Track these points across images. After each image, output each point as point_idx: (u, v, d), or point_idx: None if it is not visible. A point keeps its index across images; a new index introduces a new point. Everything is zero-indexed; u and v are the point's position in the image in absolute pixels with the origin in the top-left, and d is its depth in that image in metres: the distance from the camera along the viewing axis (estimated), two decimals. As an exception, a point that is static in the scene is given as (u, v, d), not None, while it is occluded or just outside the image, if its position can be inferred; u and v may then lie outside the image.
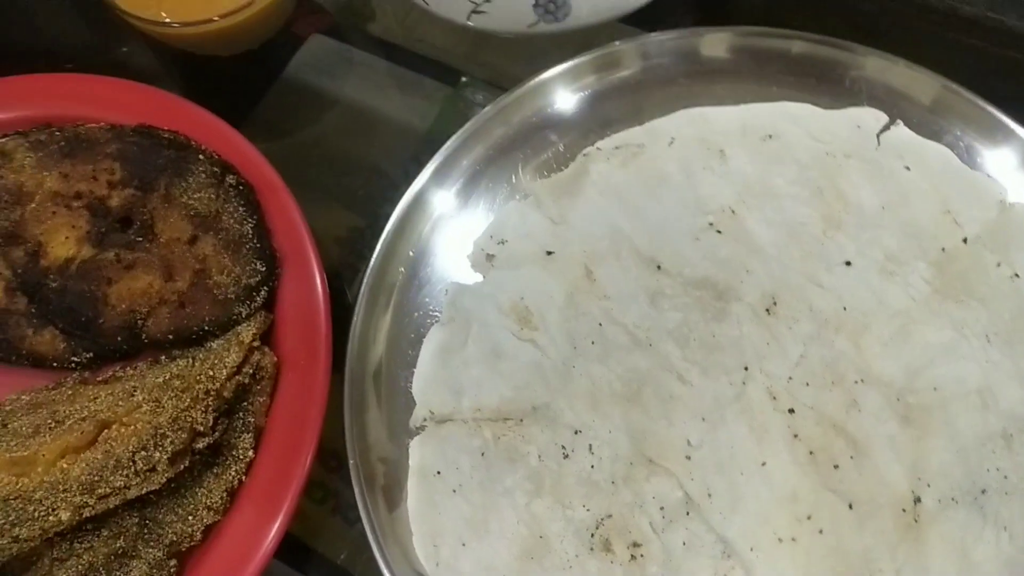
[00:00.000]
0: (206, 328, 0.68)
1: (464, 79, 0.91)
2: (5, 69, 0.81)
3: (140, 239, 0.71)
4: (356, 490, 0.63)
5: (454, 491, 0.64)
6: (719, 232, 0.71)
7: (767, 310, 0.68)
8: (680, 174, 0.73)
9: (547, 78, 0.76)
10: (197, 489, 0.65)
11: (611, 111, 0.77)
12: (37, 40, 0.97)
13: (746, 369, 0.66)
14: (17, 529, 0.60)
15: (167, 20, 0.77)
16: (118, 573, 0.62)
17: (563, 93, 0.77)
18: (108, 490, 0.61)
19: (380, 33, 0.95)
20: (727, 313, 0.68)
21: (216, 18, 0.77)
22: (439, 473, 0.65)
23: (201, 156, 0.73)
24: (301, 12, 0.92)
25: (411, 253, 0.73)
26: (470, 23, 0.79)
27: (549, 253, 0.72)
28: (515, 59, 0.88)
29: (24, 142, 0.75)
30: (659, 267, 0.70)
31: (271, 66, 0.92)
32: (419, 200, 0.73)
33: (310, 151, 0.89)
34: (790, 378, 0.65)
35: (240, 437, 0.66)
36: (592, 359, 0.68)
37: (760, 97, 0.76)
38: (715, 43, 0.78)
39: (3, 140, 0.75)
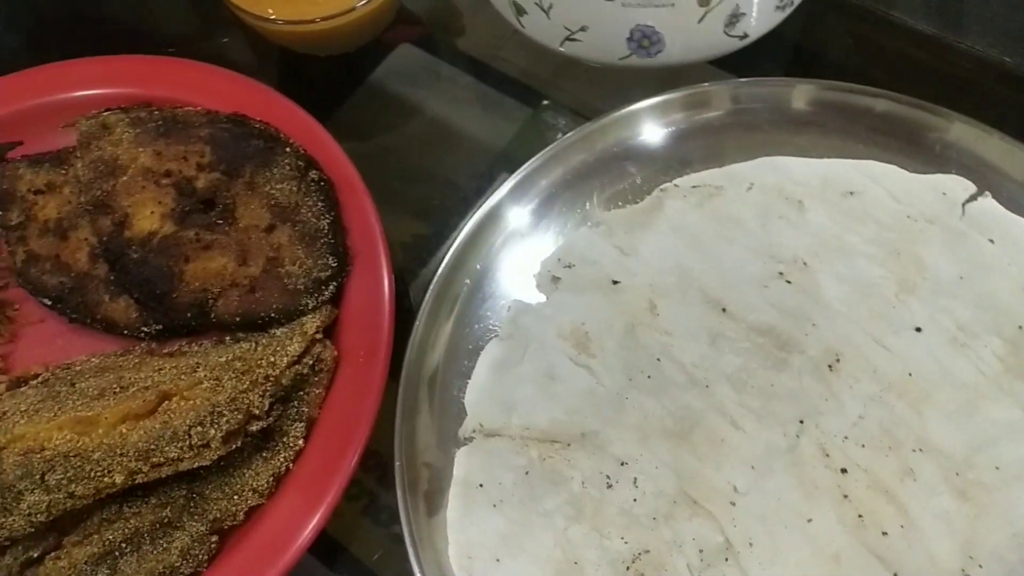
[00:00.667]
0: (272, 315, 0.70)
1: (545, 102, 0.92)
2: (112, 47, 0.85)
3: (220, 222, 0.73)
4: (399, 492, 0.64)
5: (494, 506, 0.64)
6: (788, 282, 0.70)
7: (829, 366, 0.67)
8: (755, 220, 0.73)
9: (634, 110, 0.77)
10: (245, 470, 0.66)
11: (692, 150, 0.77)
12: (146, 22, 1.01)
13: (801, 422, 0.65)
14: (73, 485, 0.62)
15: (273, 16, 0.80)
16: (162, 541, 0.64)
17: (647, 127, 0.78)
18: (162, 459, 0.63)
19: (467, 49, 0.97)
20: (788, 364, 0.67)
21: (318, 20, 0.79)
22: (481, 486, 0.66)
23: (288, 149, 0.75)
24: (396, 21, 0.95)
25: (478, 266, 0.74)
26: (562, 49, 0.81)
27: (615, 282, 0.72)
28: (597, 89, 0.89)
29: (125, 117, 0.78)
30: (724, 310, 0.70)
31: (359, 70, 0.94)
32: (492, 214, 0.75)
33: (386, 156, 0.91)
34: (846, 437, 0.64)
35: (292, 425, 0.67)
36: (646, 393, 0.67)
37: (845, 153, 0.75)
38: (804, 94, 0.77)
39: (106, 114, 0.78)
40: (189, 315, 0.71)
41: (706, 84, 0.78)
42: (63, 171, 0.79)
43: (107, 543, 0.64)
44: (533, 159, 0.76)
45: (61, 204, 0.78)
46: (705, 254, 0.72)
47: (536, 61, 0.94)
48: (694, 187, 0.75)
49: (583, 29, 0.77)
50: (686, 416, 0.66)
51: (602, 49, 0.79)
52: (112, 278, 0.74)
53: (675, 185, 0.75)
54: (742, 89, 0.77)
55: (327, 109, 0.92)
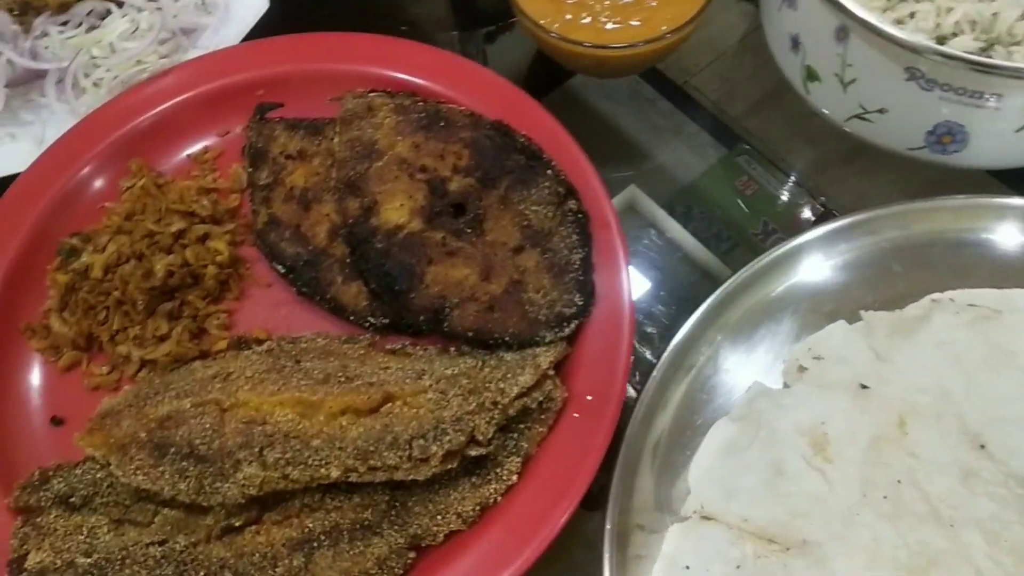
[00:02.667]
0: (506, 339, 0.68)
1: (743, 147, 0.89)
2: (359, 23, 0.85)
3: (468, 230, 0.72)
4: (606, 554, 0.61)
5: (700, 595, 0.61)
6: (1062, 433, 0.64)
7: (1097, 539, 0.60)
8: (1032, 356, 0.67)
9: (914, 209, 0.72)
10: (451, 492, 0.64)
11: (971, 264, 0.71)
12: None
13: (1057, 595, 0.59)
14: (290, 468, 0.62)
15: (584, 43, 0.77)
16: (359, 544, 0.62)
17: (922, 227, 0.73)
18: (379, 464, 0.62)
19: (671, 73, 0.93)
20: (1050, 525, 0.61)
21: (637, 45, 0.77)
22: (688, 568, 0.62)
23: (549, 171, 0.73)
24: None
25: (719, 337, 0.70)
26: (846, 127, 0.76)
27: (864, 387, 0.67)
28: (792, 142, 0.87)
29: (390, 102, 0.78)
30: (982, 446, 0.64)
31: (558, 72, 0.91)
32: (743, 286, 0.71)
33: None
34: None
35: (508, 458, 0.65)
36: (881, 515, 0.62)
37: None
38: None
39: (373, 95, 0.78)
40: (422, 318, 0.69)
41: (1000, 197, 0.72)
42: (317, 141, 0.79)
43: (306, 530, 0.63)
44: (797, 239, 0.72)
45: (309, 174, 0.78)
46: (969, 380, 0.67)
47: (728, 96, 0.91)
48: (970, 305, 0.69)
49: (881, 111, 0.73)
50: (923, 552, 0.61)
51: (893, 136, 0.74)
52: (349, 262, 0.73)
53: (950, 299, 0.69)
54: (1042, 212, 0.71)
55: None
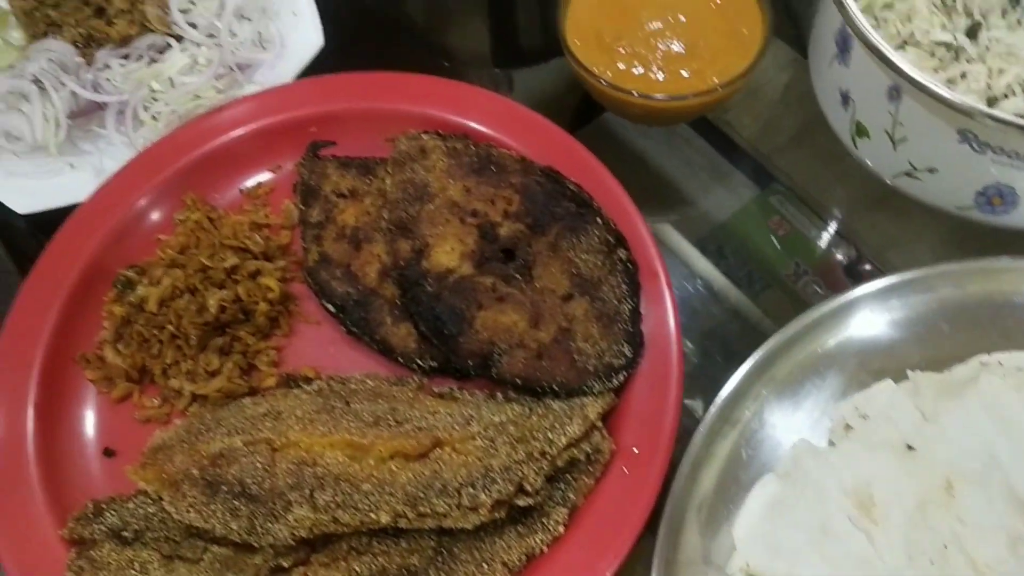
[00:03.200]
0: (555, 387, 0.68)
1: (778, 185, 0.89)
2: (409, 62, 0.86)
3: (518, 276, 0.72)
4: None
5: (746, 655, 0.61)
6: (1111, 503, 0.64)
7: None
8: (1082, 423, 0.67)
9: (970, 269, 0.72)
10: (496, 539, 0.65)
11: (1020, 326, 0.71)
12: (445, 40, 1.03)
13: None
14: (340, 511, 0.62)
15: (633, 91, 0.78)
16: (406, 589, 0.63)
17: (976, 288, 0.72)
18: (428, 510, 0.62)
19: (710, 112, 0.93)
20: (1097, 597, 0.61)
21: (664, 96, 0.78)
22: (731, 626, 0.62)
23: (599, 220, 0.74)
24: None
25: (765, 392, 0.70)
26: (893, 183, 0.77)
27: (910, 448, 0.67)
28: (825, 184, 0.87)
29: (442, 145, 0.79)
30: (1030, 513, 0.64)
31: (593, 105, 0.91)
32: (791, 341, 0.71)
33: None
34: None
35: (555, 508, 0.65)
36: (926, 579, 0.63)
37: None
38: None
39: (426, 137, 0.79)
40: (471, 363, 0.70)
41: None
42: (368, 180, 0.81)
43: (353, 573, 0.64)
44: (842, 296, 0.72)
45: (360, 213, 0.79)
46: (1017, 444, 0.66)
47: (762, 132, 0.91)
48: (1018, 369, 0.69)
49: (930, 170, 0.73)
50: (969, 619, 0.61)
51: (941, 194, 0.74)
52: (399, 303, 0.74)
53: (999, 363, 0.69)
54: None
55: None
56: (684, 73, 0.78)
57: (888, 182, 0.77)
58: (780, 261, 0.86)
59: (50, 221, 0.81)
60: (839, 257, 0.87)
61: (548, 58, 0.99)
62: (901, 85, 0.69)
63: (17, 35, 0.92)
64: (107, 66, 0.86)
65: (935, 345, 0.72)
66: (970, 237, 0.78)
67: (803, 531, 0.65)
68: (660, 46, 0.79)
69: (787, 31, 0.94)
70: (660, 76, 0.79)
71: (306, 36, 0.89)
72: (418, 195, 0.76)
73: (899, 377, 0.71)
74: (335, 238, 0.78)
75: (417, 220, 0.75)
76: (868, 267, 0.86)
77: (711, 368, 0.79)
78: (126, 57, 0.87)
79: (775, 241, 0.88)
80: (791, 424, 0.70)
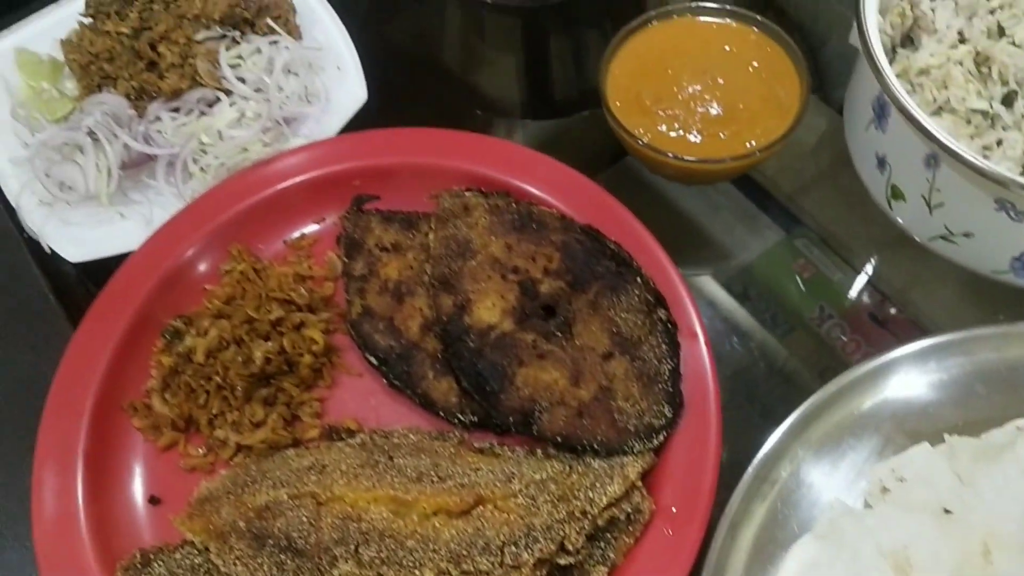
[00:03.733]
0: (595, 446, 0.69)
1: (803, 228, 0.91)
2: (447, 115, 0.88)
3: (558, 334, 0.74)
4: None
5: None
6: None
7: None
8: (1121, 489, 0.67)
9: (1014, 332, 0.73)
10: (536, 597, 0.66)
11: (1057, 391, 0.72)
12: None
13: None
14: (384, 568, 0.64)
15: (674, 155, 0.80)
16: (446, 647, 0.64)
17: (1010, 352, 0.73)
18: (471, 568, 0.63)
19: None
20: None
21: (702, 159, 0.80)
22: None
23: (639, 279, 0.75)
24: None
25: (802, 452, 0.71)
26: (929, 246, 0.78)
27: (947, 511, 0.68)
28: (851, 229, 0.89)
29: (484, 202, 0.81)
30: (1069, 581, 0.64)
31: (616, 147, 0.92)
32: (828, 402, 0.72)
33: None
34: None
35: (595, 567, 0.66)
36: (966, 646, 0.63)
37: None
38: None
39: (468, 195, 0.81)
40: (512, 419, 0.71)
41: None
42: (411, 235, 0.83)
43: (396, 628, 0.65)
44: (883, 357, 0.73)
45: (403, 267, 0.81)
46: (1055, 511, 0.67)
47: (785, 174, 0.93)
48: (1056, 435, 0.69)
49: (966, 235, 0.74)
50: None
51: (977, 258, 0.76)
52: (441, 357, 0.76)
53: (1036, 428, 0.70)
54: None
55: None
56: (722, 135, 0.80)
57: (923, 243, 0.78)
58: (805, 304, 0.88)
59: (99, 268, 0.83)
60: (865, 300, 0.88)
61: (580, 110, 1.02)
62: (939, 154, 0.70)
63: (71, 85, 0.95)
64: (158, 118, 0.88)
65: (971, 408, 0.73)
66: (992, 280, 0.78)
67: (841, 595, 0.65)
68: (699, 109, 0.81)
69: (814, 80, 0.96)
70: (698, 138, 0.81)
71: (351, 90, 0.91)
72: (461, 251, 0.78)
73: (935, 439, 0.71)
74: (378, 291, 0.80)
75: (459, 276, 0.77)
76: (893, 311, 0.87)
77: (739, 415, 0.80)
78: (176, 110, 0.89)
79: (800, 284, 0.89)
80: (828, 484, 0.70)
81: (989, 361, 0.74)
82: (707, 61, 0.82)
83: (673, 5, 0.85)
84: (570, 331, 0.74)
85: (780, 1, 1.05)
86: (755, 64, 0.82)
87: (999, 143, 0.74)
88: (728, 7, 0.86)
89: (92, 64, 0.91)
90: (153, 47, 0.91)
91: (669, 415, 0.70)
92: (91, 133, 0.86)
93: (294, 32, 0.95)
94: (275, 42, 0.92)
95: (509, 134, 1.02)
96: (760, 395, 0.82)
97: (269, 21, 0.93)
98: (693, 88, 0.81)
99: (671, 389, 0.71)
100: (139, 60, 0.91)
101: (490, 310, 0.75)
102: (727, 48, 0.83)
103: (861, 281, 0.89)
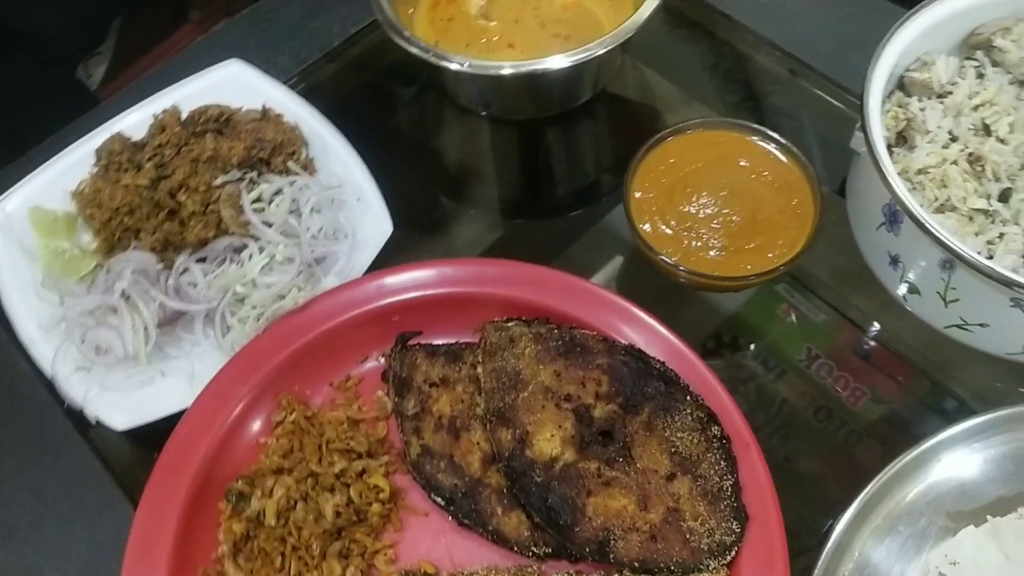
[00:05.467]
0: (672, 567, 0.73)
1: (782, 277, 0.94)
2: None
3: (619, 459, 0.77)
4: None
5: None
6: None
7: None
8: None
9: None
10: None
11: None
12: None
13: None
14: None
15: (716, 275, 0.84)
16: None
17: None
18: None
19: None
20: None
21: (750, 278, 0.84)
22: None
23: (688, 398, 0.79)
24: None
25: (858, 546, 0.76)
26: (945, 333, 0.83)
27: (999, 590, 0.73)
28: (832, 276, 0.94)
29: (528, 332, 0.83)
30: (1119, 648, 0.70)
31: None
32: (881, 493, 0.76)
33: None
34: None
35: None
36: None
37: None
38: None
39: (511, 325, 0.84)
40: (588, 550, 0.74)
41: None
42: (457, 367, 0.85)
43: None
44: (925, 441, 0.78)
45: (454, 401, 0.83)
46: (1096, 581, 0.73)
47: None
48: (1087, 506, 0.76)
49: (982, 325, 0.80)
50: None
51: (992, 344, 0.82)
52: (504, 491, 0.78)
53: (1069, 503, 0.76)
54: None
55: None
56: (746, 247, 0.84)
57: (939, 331, 0.84)
58: (792, 346, 0.93)
59: (146, 430, 0.84)
60: (847, 338, 0.94)
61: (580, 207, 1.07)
62: (954, 261, 0.76)
63: (87, 238, 0.95)
64: (187, 270, 0.89)
65: (1003, 483, 0.78)
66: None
67: None
68: (716, 224, 0.85)
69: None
70: (720, 254, 0.85)
71: (375, 222, 0.93)
72: (512, 383, 0.81)
73: (978, 520, 0.77)
74: (434, 429, 0.82)
75: (514, 408, 0.80)
76: (870, 344, 0.93)
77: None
78: (204, 260, 0.90)
79: (785, 329, 0.95)
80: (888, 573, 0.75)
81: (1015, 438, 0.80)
82: (724, 175, 0.87)
83: (685, 122, 0.90)
84: (630, 454, 0.77)
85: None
86: (766, 175, 0.87)
87: (1001, 236, 0.80)
88: (732, 120, 0.90)
89: (112, 220, 0.91)
90: (172, 195, 0.92)
91: (738, 530, 0.73)
92: (124, 295, 0.86)
93: (310, 167, 0.96)
94: (294, 182, 0.93)
95: (524, 240, 1.05)
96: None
97: (288, 161, 0.94)
98: (712, 206, 0.86)
99: (736, 504, 0.74)
100: (159, 210, 0.91)
101: (549, 441, 0.78)
102: (742, 163, 0.87)
103: (841, 319, 0.94)
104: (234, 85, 1.04)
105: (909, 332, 0.91)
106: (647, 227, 0.85)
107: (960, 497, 0.78)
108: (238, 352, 0.85)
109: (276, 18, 1.18)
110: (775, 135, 0.89)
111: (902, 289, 0.84)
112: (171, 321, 0.88)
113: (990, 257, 0.79)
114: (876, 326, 0.94)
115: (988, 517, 0.77)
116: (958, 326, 0.82)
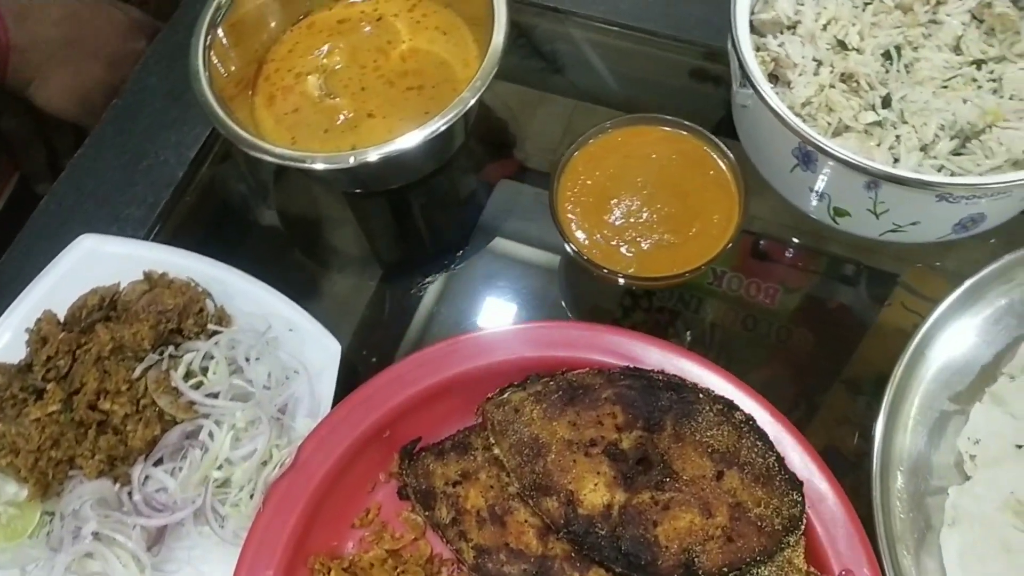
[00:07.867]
0: (757, 559, 0.75)
1: None
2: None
3: (666, 480, 0.78)
4: None
5: None
6: None
7: None
8: None
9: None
10: None
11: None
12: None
13: None
14: None
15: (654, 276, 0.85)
16: None
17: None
18: None
19: None
20: None
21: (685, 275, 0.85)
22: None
23: (701, 395, 0.80)
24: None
25: (901, 469, 0.81)
26: (881, 239, 0.89)
27: (1019, 447, 0.80)
28: None
29: (526, 395, 0.82)
30: None
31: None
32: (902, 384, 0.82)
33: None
34: None
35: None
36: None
37: None
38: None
39: (507, 395, 0.82)
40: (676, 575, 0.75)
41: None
42: (471, 457, 0.82)
43: None
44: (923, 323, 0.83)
45: (484, 490, 0.81)
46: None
47: None
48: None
49: (913, 223, 0.86)
50: None
51: (924, 235, 0.88)
52: (573, 554, 0.77)
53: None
54: None
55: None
56: (689, 232, 0.86)
57: (875, 239, 0.90)
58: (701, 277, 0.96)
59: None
60: (742, 244, 0.98)
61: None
62: (879, 180, 0.81)
63: (12, 489, 0.83)
64: (148, 477, 0.80)
65: (982, 353, 0.86)
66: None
67: (994, 560, 0.76)
68: (652, 222, 0.86)
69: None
70: (651, 248, 0.86)
71: (321, 346, 0.87)
72: (535, 452, 0.79)
73: (979, 395, 0.84)
74: (478, 526, 0.79)
75: (548, 474, 0.78)
76: (763, 243, 0.99)
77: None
78: (161, 461, 0.81)
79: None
80: (940, 475, 0.81)
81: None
82: (638, 173, 0.87)
83: (581, 137, 0.89)
84: (673, 471, 0.78)
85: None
86: (674, 158, 0.88)
87: (898, 139, 0.86)
88: (638, 115, 0.91)
89: (39, 460, 0.80)
90: (93, 408, 0.82)
91: (799, 498, 0.76)
92: (96, 535, 0.77)
93: (225, 318, 0.89)
94: (218, 341, 0.85)
95: (462, 295, 1.01)
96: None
97: (199, 322, 0.86)
98: (640, 203, 0.86)
99: (787, 475, 0.77)
100: (86, 429, 0.82)
101: (595, 491, 0.77)
102: (653, 155, 0.88)
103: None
104: (94, 261, 0.93)
105: (783, 215, 0.96)
106: (586, 242, 0.85)
107: (952, 379, 0.85)
108: (247, 537, 0.78)
109: (101, 170, 1.06)
110: (664, 116, 0.90)
111: (830, 214, 0.89)
112: (159, 539, 0.79)
113: (896, 160, 0.85)
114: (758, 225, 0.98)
115: (985, 390, 0.84)
116: (891, 231, 0.88)
